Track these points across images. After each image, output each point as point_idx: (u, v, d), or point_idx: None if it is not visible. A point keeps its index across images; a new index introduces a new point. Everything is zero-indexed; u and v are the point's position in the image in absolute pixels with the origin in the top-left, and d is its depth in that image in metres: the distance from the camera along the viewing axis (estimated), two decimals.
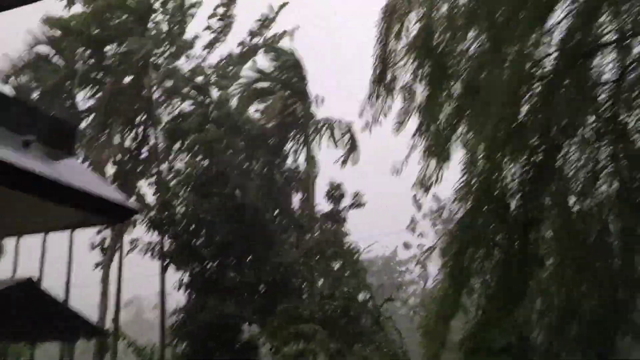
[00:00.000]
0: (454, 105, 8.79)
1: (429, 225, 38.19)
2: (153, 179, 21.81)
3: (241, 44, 22.37)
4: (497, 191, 7.92)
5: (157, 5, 21.52)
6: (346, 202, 19.00)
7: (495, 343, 7.63)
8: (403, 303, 20.50)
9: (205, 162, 19.10)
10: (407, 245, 38.97)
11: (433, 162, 9.10)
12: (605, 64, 7.92)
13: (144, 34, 20.58)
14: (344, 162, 19.68)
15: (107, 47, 21.18)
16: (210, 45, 22.10)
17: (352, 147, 19.66)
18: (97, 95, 21.45)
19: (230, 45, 23.21)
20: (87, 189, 3.57)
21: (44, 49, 21.75)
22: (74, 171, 3.66)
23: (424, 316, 8.82)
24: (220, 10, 22.00)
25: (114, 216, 4.21)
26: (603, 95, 7.96)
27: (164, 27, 21.72)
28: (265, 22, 22.00)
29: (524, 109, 7.98)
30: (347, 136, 19.71)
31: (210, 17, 22.14)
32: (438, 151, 8.98)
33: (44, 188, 3.32)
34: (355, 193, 19.16)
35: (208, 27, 22.09)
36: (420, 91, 9.35)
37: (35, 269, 21.73)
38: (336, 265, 18.56)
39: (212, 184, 18.05)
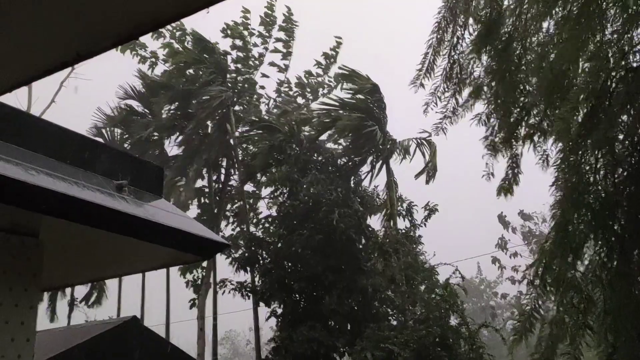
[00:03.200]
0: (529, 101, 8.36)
1: (519, 241, 36.27)
2: (233, 218, 22.51)
3: (309, 75, 22.91)
4: (592, 193, 7.31)
5: (233, 55, 22.72)
6: (432, 226, 18.57)
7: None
8: (496, 330, 19.36)
9: (288, 197, 19.42)
10: (494, 261, 37.13)
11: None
12: None
13: (223, 84, 21.68)
14: (426, 178, 19.25)
15: (191, 99, 22.53)
16: (280, 84, 22.96)
17: (430, 162, 19.30)
18: (181, 143, 22.74)
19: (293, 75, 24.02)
20: (177, 227, 3.66)
21: (133, 102, 23.44)
22: (164, 211, 3.78)
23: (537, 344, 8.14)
24: (281, 46, 22.80)
25: (204, 252, 4.29)
26: None
27: (239, 76, 22.80)
28: (330, 58, 22.47)
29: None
30: (426, 152, 19.39)
31: (271, 62, 22.94)
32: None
33: (137, 228, 3.44)
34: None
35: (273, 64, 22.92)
36: (487, 84, 9.00)
37: (137, 308, 22.89)
38: (425, 290, 18.00)
39: (299, 218, 18.30)
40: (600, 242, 7.41)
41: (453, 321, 16.88)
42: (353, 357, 15.79)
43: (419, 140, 19.54)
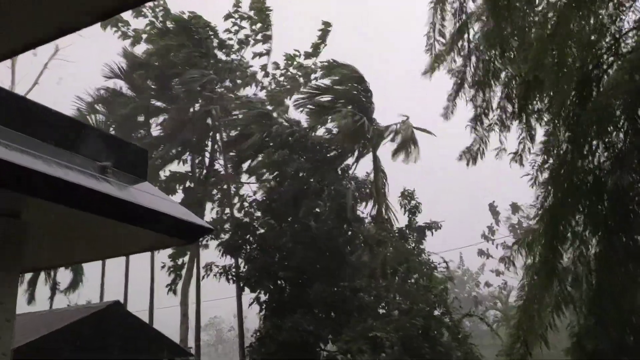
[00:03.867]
0: (526, 79, 8.41)
1: (507, 232, 36.62)
2: (216, 203, 22.38)
3: (300, 65, 22.79)
4: (585, 175, 7.41)
5: (216, 42, 22.50)
6: (421, 217, 18.64)
7: (606, 344, 7.05)
8: (481, 319, 19.61)
9: (275, 184, 19.35)
10: (481, 253, 37.44)
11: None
12: None
13: (207, 68, 21.48)
14: (399, 156, 19.15)
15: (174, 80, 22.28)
16: (264, 69, 22.79)
17: (410, 142, 19.26)
18: (162, 124, 22.54)
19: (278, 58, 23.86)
20: (162, 210, 3.66)
21: (119, 82, 23.12)
22: (148, 194, 3.76)
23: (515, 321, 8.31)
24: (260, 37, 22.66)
25: (188, 236, 4.29)
26: None
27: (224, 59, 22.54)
28: (318, 45, 22.34)
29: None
30: (404, 130, 19.35)
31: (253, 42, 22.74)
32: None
33: (121, 211, 3.43)
34: (430, 223, 18.63)
35: (259, 54, 22.77)
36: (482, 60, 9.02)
37: (121, 293, 22.79)
38: (411, 281, 18.15)
39: (287, 207, 18.26)
40: (584, 223, 7.56)
41: (438, 311, 17.07)
42: (338, 346, 15.90)
43: (398, 125, 19.59)
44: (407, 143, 19.05)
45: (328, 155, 19.49)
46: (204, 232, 4.64)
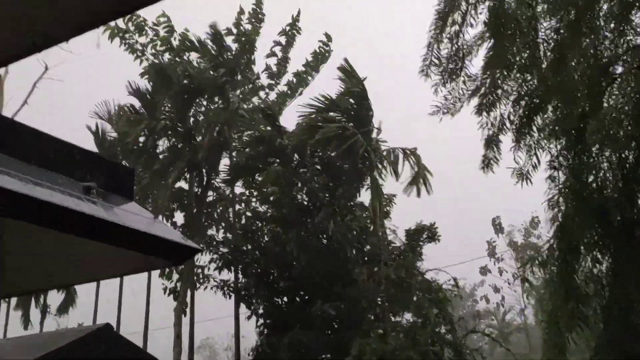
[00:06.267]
0: (530, 97, 8.44)
1: (506, 248, 36.42)
2: (216, 222, 22.12)
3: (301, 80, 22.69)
4: (593, 191, 7.42)
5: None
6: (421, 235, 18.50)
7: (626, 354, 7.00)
8: (488, 335, 19.42)
9: (281, 197, 19.00)
10: (484, 271, 37.07)
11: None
12: None
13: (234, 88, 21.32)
14: (417, 190, 19.08)
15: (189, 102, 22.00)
16: (270, 87, 22.75)
17: (419, 174, 19.20)
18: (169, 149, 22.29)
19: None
20: (147, 231, 3.57)
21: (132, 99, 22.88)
22: (133, 214, 3.68)
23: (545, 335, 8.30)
24: (278, 50, 22.62)
25: (176, 257, 4.19)
26: None
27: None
28: (320, 55, 22.30)
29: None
30: (413, 163, 19.32)
31: (268, 55, 22.74)
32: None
33: (105, 232, 3.34)
34: (431, 225, 18.46)
35: (267, 69, 22.74)
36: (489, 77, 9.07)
37: (114, 315, 22.46)
38: (414, 298, 17.91)
39: (293, 218, 18.11)
40: (595, 239, 7.58)
41: (443, 329, 16.86)
42: None
43: (404, 151, 19.42)
44: (417, 179, 18.98)
45: (336, 170, 19.17)
46: (191, 253, 4.55)
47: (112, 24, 20.44)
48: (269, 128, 20.57)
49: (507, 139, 10.26)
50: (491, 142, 9.76)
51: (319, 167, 19.22)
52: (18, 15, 1.51)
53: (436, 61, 9.83)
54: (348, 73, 19.88)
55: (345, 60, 19.95)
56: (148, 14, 21.57)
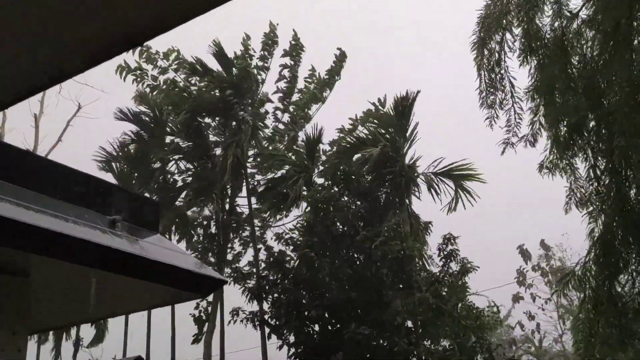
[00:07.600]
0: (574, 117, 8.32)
1: (537, 275, 35.43)
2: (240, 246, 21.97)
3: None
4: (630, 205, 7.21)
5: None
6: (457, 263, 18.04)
7: None
8: None
9: (317, 221, 18.75)
10: (517, 299, 36.03)
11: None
12: None
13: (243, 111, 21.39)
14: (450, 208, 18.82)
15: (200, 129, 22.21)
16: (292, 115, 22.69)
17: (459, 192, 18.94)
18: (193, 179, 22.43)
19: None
20: (173, 264, 3.53)
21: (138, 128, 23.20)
22: (159, 247, 3.65)
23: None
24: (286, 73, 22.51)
25: (202, 289, 4.13)
26: None
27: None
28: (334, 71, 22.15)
29: None
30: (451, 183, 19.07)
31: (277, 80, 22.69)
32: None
33: (131, 266, 3.31)
34: (463, 260, 17.96)
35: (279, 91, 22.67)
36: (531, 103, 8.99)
37: (143, 347, 22.45)
38: (452, 324, 17.36)
39: (329, 244, 17.87)
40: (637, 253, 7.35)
41: (481, 357, 16.33)
42: None
43: (438, 178, 19.14)
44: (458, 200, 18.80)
45: (371, 194, 18.93)
46: (217, 285, 4.49)
47: (123, 62, 20.89)
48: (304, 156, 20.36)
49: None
50: (542, 168, 9.74)
51: (353, 192, 19.00)
52: (33, 49, 1.49)
53: (491, 90, 9.83)
54: (381, 103, 19.88)
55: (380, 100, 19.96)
56: (158, 41, 21.88)
